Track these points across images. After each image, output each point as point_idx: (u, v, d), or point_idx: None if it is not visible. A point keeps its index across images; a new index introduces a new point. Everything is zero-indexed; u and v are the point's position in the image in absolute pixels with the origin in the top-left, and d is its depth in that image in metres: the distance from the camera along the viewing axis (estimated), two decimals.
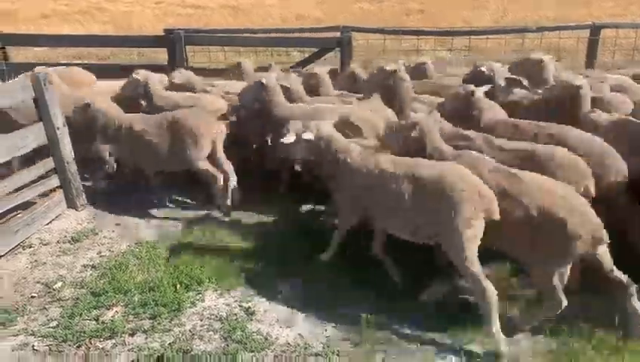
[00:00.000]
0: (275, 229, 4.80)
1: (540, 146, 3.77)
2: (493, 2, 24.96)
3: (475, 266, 3.19)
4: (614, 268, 3.28)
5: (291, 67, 6.90)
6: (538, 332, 3.41)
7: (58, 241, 4.63)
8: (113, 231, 4.83)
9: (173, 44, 6.85)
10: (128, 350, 3.33)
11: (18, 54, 7.97)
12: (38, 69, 5.50)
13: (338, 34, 6.62)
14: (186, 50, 6.92)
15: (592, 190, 3.56)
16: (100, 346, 3.36)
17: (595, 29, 7.89)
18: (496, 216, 3.22)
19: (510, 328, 3.36)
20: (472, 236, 3.21)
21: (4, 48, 7.24)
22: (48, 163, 4.92)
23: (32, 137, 4.71)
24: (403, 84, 4.94)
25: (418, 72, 6.20)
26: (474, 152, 3.74)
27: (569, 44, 9.79)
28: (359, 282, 3.93)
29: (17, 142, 4.59)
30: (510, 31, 8.56)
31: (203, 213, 5.10)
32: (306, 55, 6.82)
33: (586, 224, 3.07)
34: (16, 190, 4.61)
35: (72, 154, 5.05)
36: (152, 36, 7.25)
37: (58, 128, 4.85)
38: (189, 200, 5.40)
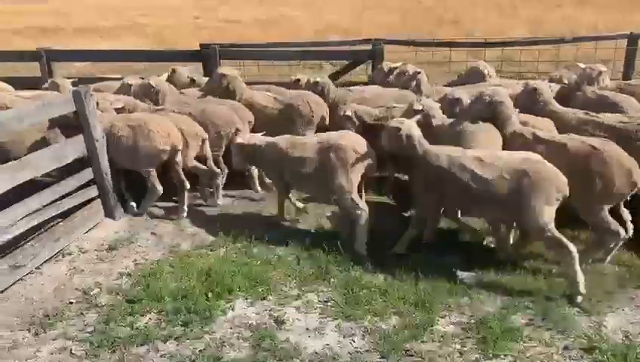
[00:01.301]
0: (308, 239, 4.84)
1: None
2: (530, 11, 24.73)
3: None
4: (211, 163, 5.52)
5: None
6: None
7: (96, 249, 4.78)
8: (148, 240, 4.96)
9: (209, 58, 7.03)
10: (161, 356, 3.42)
11: (61, 69, 8.30)
12: None
13: (369, 46, 6.69)
14: (221, 64, 7.08)
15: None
16: (134, 352, 3.46)
17: (633, 39, 7.74)
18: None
19: None
20: None
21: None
22: (87, 173, 5.10)
23: (72, 149, 4.90)
24: None
25: None
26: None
27: (606, 54, 9.61)
28: (387, 293, 3.94)
29: (58, 153, 4.79)
30: (544, 41, 8.45)
31: (236, 222, 5.20)
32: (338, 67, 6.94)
33: (173, 135, 5.12)
34: (57, 199, 4.78)
35: (108, 165, 5.22)
36: (188, 51, 7.46)
37: (97, 140, 5.02)
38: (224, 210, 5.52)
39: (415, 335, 3.51)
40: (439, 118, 5.04)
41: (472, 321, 3.65)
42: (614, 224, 4.10)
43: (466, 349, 3.41)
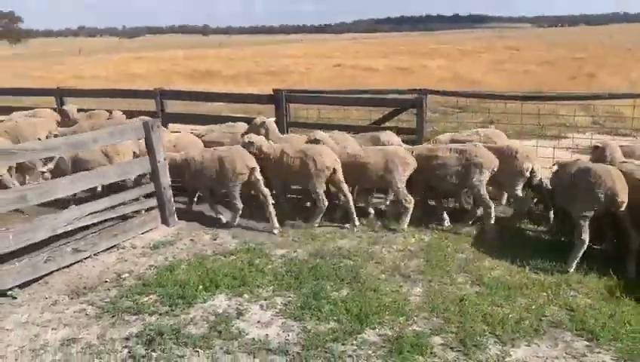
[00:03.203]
0: (304, 256, 5.61)
1: None
2: None
3: None
4: None
5: (371, 123, 7.85)
6: None
7: (143, 247, 6.02)
8: (185, 245, 6.10)
9: (278, 101, 8.21)
10: (142, 324, 4.42)
11: (174, 105, 10.14)
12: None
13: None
14: (289, 106, 8.23)
15: None
16: (126, 318, 4.52)
17: None
18: None
19: None
20: None
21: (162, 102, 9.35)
22: (149, 187, 6.42)
23: (138, 166, 6.27)
24: None
25: None
26: None
27: None
28: (337, 303, 4.58)
29: (126, 168, 6.17)
30: (580, 97, 8.19)
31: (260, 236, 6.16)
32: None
33: None
34: (122, 204, 6.15)
35: (169, 181, 6.51)
36: (264, 94, 8.73)
37: (159, 161, 6.34)
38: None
39: (338, 338, 4.12)
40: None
41: (395, 336, 4.15)
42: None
43: (374, 354, 3.93)
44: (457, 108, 14.81)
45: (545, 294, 4.68)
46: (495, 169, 6.05)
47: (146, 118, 7.57)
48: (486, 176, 6.04)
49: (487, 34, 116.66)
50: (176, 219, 6.67)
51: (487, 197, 6.09)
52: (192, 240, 6.24)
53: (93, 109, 9.69)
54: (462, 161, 6.11)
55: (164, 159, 6.41)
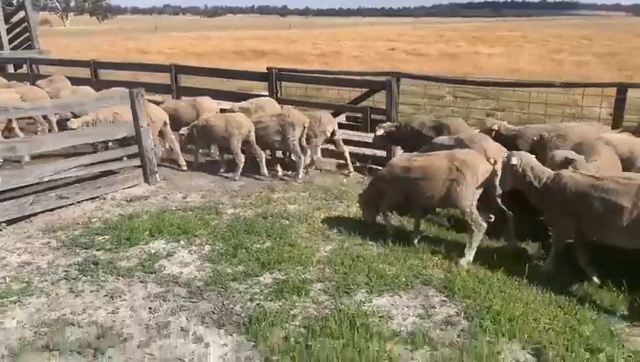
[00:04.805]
0: (250, 218, 6.32)
1: None
2: None
3: None
4: None
5: (349, 103, 8.46)
6: None
7: (121, 199, 6.93)
8: (157, 200, 6.95)
9: (271, 79, 8.91)
10: (86, 256, 5.29)
11: (188, 80, 11.08)
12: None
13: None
14: (279, 84, 8.93)
15: None
16: (77, 251, 5.42)
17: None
18: None
19: None
20: None
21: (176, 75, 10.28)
22: (134, 148, 7.32)
23: (122, 129, 7.18)
24: None
25: None
26: None
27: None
28: (250, 253, 5.28)
29: (111, 130, 7.09)
30: (532, 84, 8.24)
31: (222, 198, 6.93)
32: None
33: None
34: (107, 161, 7.09)
35: (152, 144, 7.38)
36: (259, 72, 9.48)
37: (142, 127, 7.21)
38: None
39: (237, 279, 4.82)
40: None
41: (288, 280, 4.77)
42: None
43: (260, 292, 4.57)
44: (481, 96, 14.94)
45: (436, 258, 5.14)
46: (306, 126, 7.57)
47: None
48: (298, 132, 7.54)
49: (571, 22, 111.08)
50: (158, 178, 7.55)
51: (299, 149, 7.65)
52: (165, 197, 7.09)
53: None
54: (279, 123, 7.64)
55: (147, 125, 7.28)
